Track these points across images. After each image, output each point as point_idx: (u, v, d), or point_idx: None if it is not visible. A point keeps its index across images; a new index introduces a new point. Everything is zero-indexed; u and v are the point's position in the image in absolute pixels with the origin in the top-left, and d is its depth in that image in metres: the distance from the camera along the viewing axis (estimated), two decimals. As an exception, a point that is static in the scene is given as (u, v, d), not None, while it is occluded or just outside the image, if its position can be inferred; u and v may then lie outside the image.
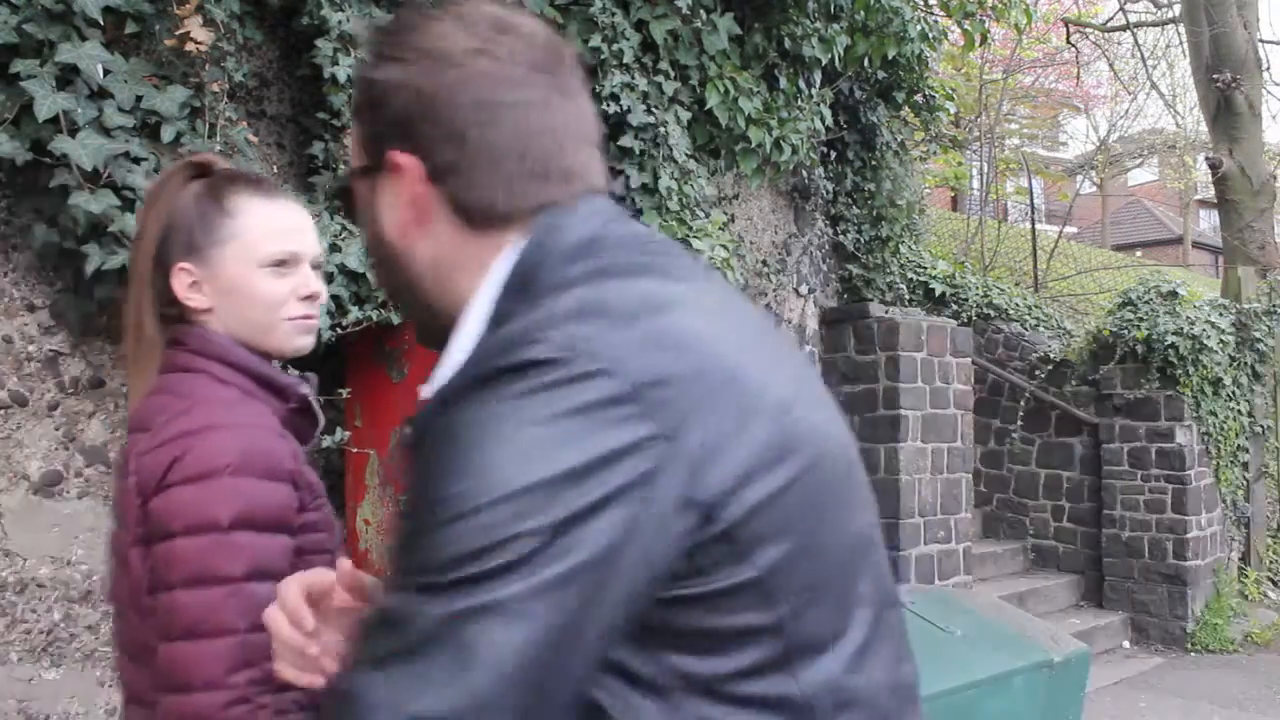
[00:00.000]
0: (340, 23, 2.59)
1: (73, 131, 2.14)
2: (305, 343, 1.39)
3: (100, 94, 2.21)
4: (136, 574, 1.23)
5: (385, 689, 0.69)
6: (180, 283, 1.33)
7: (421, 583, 0.70)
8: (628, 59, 3.24)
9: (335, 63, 2.58)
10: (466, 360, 0.78)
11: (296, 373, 1.46)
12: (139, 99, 2.27)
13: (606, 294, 0.79)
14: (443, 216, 0.86)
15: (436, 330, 0.90)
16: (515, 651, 0.69)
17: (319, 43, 2.57)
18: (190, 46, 2.34)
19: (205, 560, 1.17)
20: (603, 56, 3.19)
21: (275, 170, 2.86)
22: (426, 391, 0.81)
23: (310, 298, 1.36)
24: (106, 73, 2.21)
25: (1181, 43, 10.12)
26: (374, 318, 2.57)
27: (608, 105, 3.19)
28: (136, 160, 2.25)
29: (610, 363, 0.74)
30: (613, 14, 3.22)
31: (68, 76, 2.16)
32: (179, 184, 1.37)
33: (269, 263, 1.34)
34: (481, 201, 0.86)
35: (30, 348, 2.41)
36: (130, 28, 2.31)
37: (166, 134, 2.31)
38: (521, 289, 0.83)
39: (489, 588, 0.69)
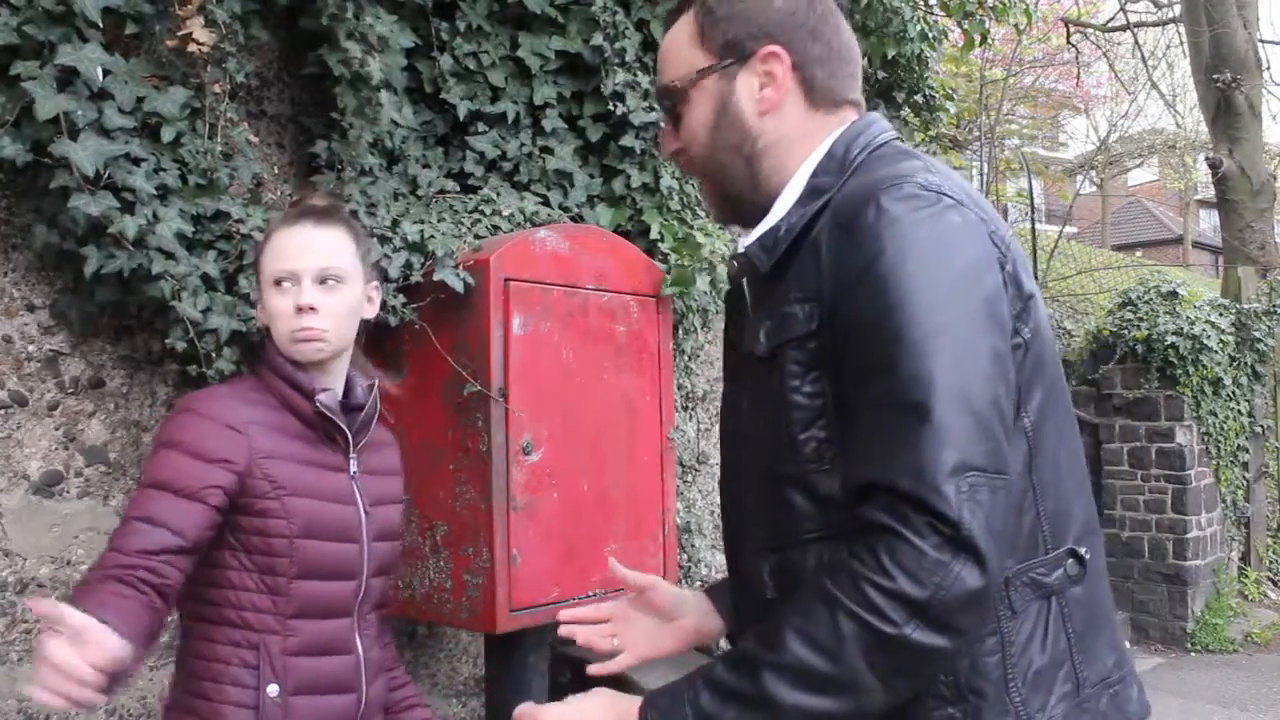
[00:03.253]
0: (371, 25, 2.58)
1: (73, 133, 2.14)
2: (310, 355, 1.61)
3: (100, 95, 2.21)
4: None
5: (924, 458, 0.94)
6: (258, 303, 1.66)
7: (914, 366, 0.96)
8: (629, 58, 3.24)
9: (363, 64, 2.57)
10: (832, 200, 1.08)
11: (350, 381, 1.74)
12: (139, 100, 2.27)
13: (928, 164, 1.08)
14: (794, 100, 1.17)
15: (752, 205, 1.18)
16: (994, 400, 0.97)
17: (346, 44, 2.56)
18: (192, 47, 2.34)
19: (133, 502, 1.53)
20: (604, 56, 3.18)
21: (276, 170, 2.86)
22: (747, 241, 1.17)
23: (302, 310, 1.58)
24: (106, 74, 2.20)
25: (1181, 43, 10.12)
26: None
27: (614, 104, 3.18)
28: (136, 161, 2.25)
29: (962, 199, 1.04)
30: (614, 13, 3.22)
31: (68, 78, 2.15)
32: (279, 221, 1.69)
33: (272, 282, 1.60)
34: (834, 88, 1.18)
35: (30, 348, 2.41)
36: (130, 29, 2.31)
37: (166, 135, 2.31)
38: (838, 165, 1.13)
39: (962, 346, 0.97)
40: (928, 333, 0.96)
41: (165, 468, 1.51)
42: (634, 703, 1.06)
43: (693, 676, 1.02)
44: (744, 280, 1.23)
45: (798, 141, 1.17)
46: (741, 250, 1.19)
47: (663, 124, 1.24)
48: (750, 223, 1.20)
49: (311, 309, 1.58)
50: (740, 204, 1.21)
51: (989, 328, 0.99)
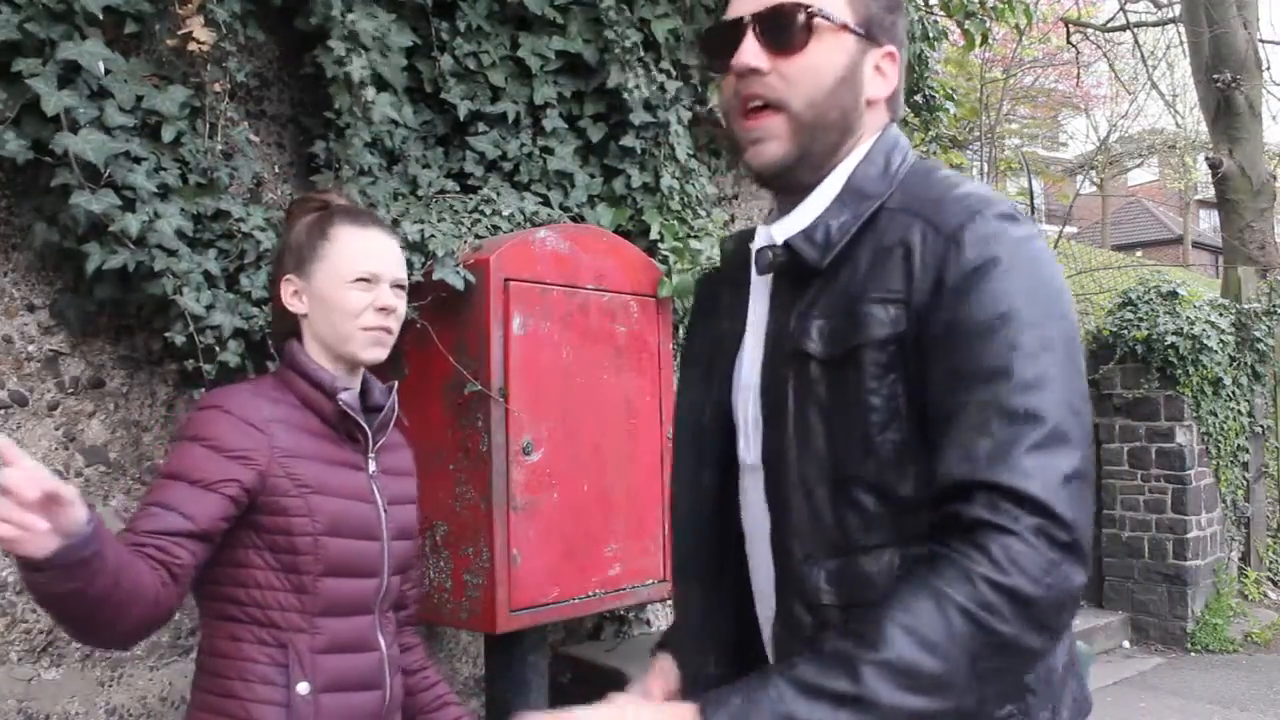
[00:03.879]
0: (353, 22, 2.58)
1: (74, 130, 2.14)
2: (375, 354, 1.68)
3: (101, 93, 2.21)
4: None
5: (1039, 462, 0.97)
6: (285, 291, 1.68)
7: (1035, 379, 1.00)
8: (629, 58, 3.24)
9: (346, 63, 2.57)
10: (950, 204, 1.10)
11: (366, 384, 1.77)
12: (139, 99, 2.27)
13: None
14: (884, 105, 1.21)
15: (812, 175, 1.18)
16: (1089, 411, 1.04)
17: (331, 42, 2.56)
18: (192, 46, 2.34)
19: (149, 490, 1.57)
20: (616, 52, 3.18)
21: (276, 170, 2.86)
22: (785, 233, 1.16)
23: (384, 310, 1.63)
24: (107, 71, 2.20)
25: (1181, 43, 10.11)
26: (374, 317, 2.57)
27: (627, 95, 3.18)
28: (137, 160, 2.25)
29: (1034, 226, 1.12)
30: (619, 10, 3.22)
31: (68, 75, 2.16)
32: (301, 214, 1.73)
33: (353, 279, 1.63)
34: (900, 110, 1.24)
35: (30, 348, 2.41)
36: (131, 27, 2.31)
37: (167, 134, 2.31)
38: (880, 172, 1.16)
39: (1065, 359, 1.02)
40: (1040, 344, 1.01)
41: (184, 460, 1.54)
42: (684, 710, 1.00)
43: (767, 676, 0.98)
44: (767, 275, 1.21)
45: (867, 140, 1.20)
46: (778, 243, 1.17)
47: (753, 34, 1.14)
48: (793, 191, 1.20)
49: (392, 310, 1.66)
50: (809, 164, 1.17)
51: (1078, 344, 1.06)
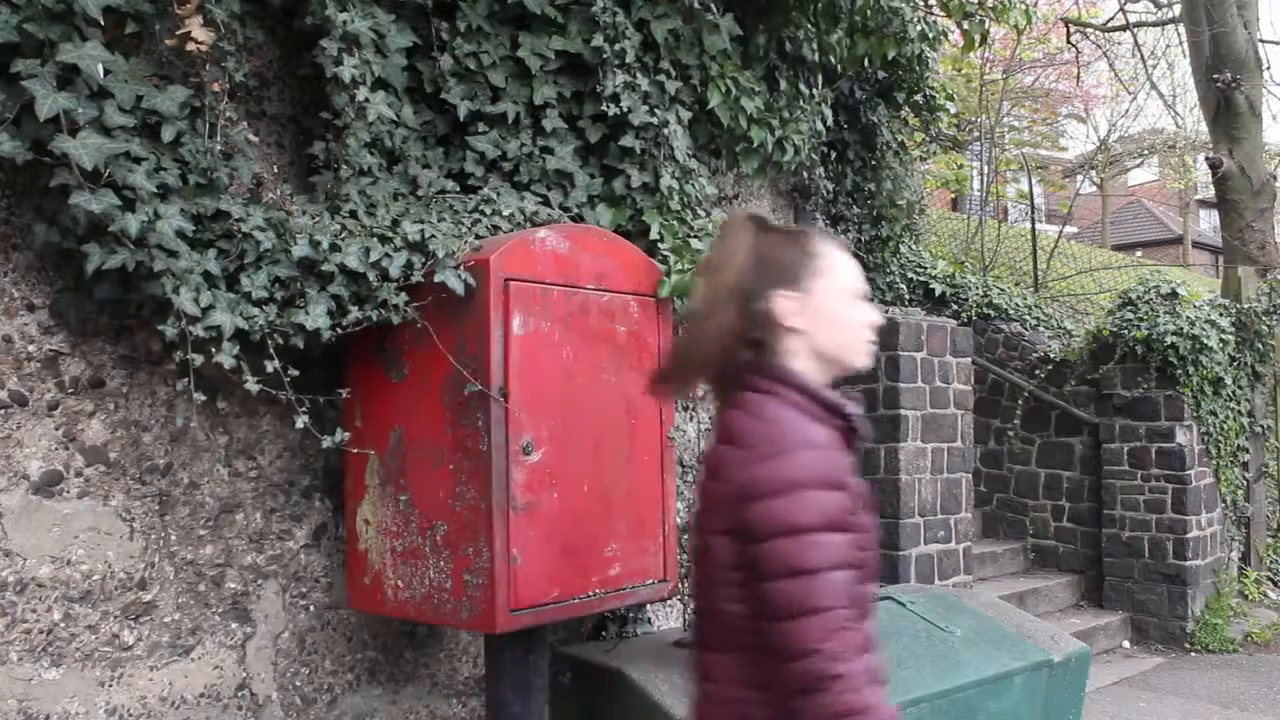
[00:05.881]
0: (345, 23, 2.58)
1: (73, 131, 2.14)
2: (868, 362, 1.72)
3: (100, 94, 2.21)
4: (720, 556, 1.58)
5: None
6: (782, 308, 1.63)
7: None
8: (629, 59, 3.24)
9: (339, 63, 2.58)
10: None
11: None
12: (139, 99, 2.27)
13: None
14: None
15: None
16: None
17: (324, 42, 2.57)
18: (191, 46, 2.34)
19: (797, 558, 1.48)
20: (604, 56, 3.19)
21: (276, 170, 2.86)
22: None
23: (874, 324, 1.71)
24: (107, 72, 2.20)
25: (1181, 43, 10.12)
26: (374, 318, 2.57)
27: (609, 106, 3.19)
28: (137, 160, 2.25)
29: None
30: (614, 13, 3.22)
31: (68, 76, 2.16)
32: (751, 231, 1.69)
33: (855, 295, 1.68)
34: None
35: (30, 348, 2.41)
36: (130, 27, 2.31)
37: (167, 134, 2.31)
38: None
39: None
40: None
41: (813, 508, 1.51)
42: None
43: None
44: None
45: None
46: None
47: None
48: None
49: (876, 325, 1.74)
50: None
51: None
